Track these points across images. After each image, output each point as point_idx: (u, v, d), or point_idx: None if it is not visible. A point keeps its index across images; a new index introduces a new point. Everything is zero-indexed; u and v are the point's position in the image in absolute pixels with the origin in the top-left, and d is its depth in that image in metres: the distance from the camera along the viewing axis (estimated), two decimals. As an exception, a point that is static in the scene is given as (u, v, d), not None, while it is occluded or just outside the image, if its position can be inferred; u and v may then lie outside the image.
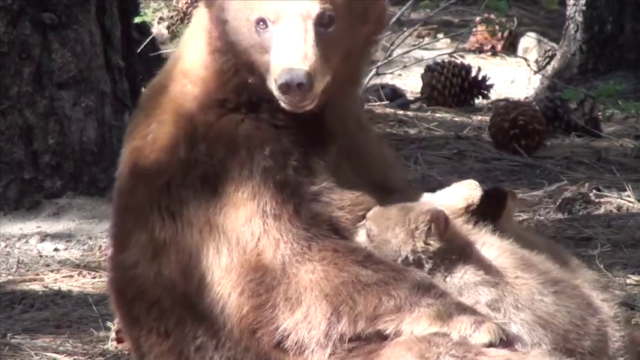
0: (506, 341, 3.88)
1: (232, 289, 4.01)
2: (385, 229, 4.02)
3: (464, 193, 4.13)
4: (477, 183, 4.17)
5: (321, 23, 4.01)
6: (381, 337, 3.93)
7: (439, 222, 3.97)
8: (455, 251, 3.99)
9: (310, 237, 3.99)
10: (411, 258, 3.99)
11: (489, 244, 4.05)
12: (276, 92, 3.99)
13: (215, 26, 4.13)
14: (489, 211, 4.19)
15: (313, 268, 3.95)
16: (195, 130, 4.12)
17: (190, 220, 4.07)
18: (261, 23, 4.01)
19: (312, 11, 3.99)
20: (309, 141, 4.13)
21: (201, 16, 4.24)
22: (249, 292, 3.98)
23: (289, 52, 3.95)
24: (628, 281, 6.32)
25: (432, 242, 3.98)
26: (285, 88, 3.93)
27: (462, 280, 3.97)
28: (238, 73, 4.13)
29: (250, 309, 3.98)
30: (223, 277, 4.02)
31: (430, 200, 4.11)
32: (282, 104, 4.02)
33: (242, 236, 4.01)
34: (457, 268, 3.99)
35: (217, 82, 4.16)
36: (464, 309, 3.90)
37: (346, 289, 3.93)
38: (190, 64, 4.23)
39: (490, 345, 3.85)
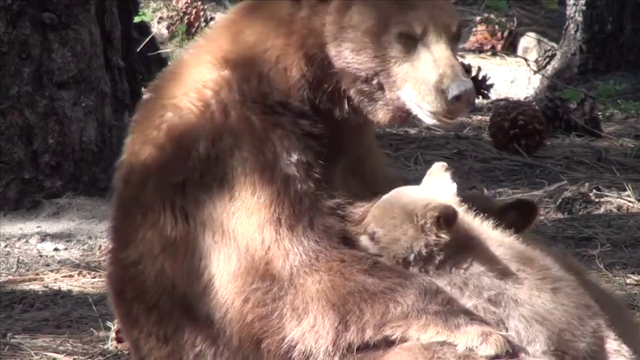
0: (512, 353, 3.87)
1: (236, 295, 3.98)
2: (392, 228, 4.02)
3: (445, 186, 4.11)
4: (444, 164, 4.15)
5: (455, 37, 4.04)
6: (388, 344, 3.91)
7: (448, 215, 3.97)
8: (462, 241, 4.00)
9: (320, 250, 3.97)
10: (424, 252, 3.99)
11: (489, 237, 4.05)
12: (426, 103, 3.95)
13: (319, 32, 4.01)
14: (516, 221, 4.19)
15: (320, 279, 3.94)
16: (226, 119, 4.04)
17: (204, 222, 4.02)
18: (403, 35, 3.97)
19: (453, 24, 4.01)
20: (328, 154, 4.10)
21: (272, 13, 4.08)
22: (255, 301, 3.96)
23: (452, 66, 3.94)
24: (628, 281, 6.32)
25: (442, 235, 3.98)
26: (456, 100, 3.92)
27: (467, 272, 3.98)
28: (326, 81, 4.04)
29: (256, 318, 3.96)
30: (229, 282, 3.99)
31: (427, 196, 4.09)
32: (428, 117, 3.99)
33: (252, 243, 3.98)
34: (464, 259, 3.99)
35: (288, 84, 4.06)
36: (471, 318, 3.89)
37: (353, 298, 3.92)
38: (240, 55, 4.08)
39: (496, 357, 3.85)
